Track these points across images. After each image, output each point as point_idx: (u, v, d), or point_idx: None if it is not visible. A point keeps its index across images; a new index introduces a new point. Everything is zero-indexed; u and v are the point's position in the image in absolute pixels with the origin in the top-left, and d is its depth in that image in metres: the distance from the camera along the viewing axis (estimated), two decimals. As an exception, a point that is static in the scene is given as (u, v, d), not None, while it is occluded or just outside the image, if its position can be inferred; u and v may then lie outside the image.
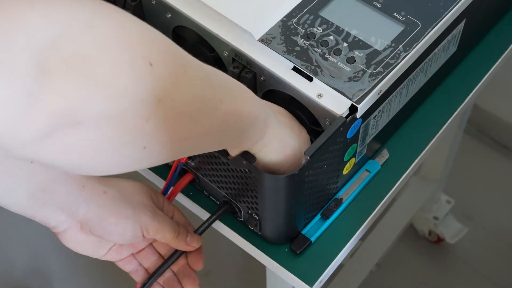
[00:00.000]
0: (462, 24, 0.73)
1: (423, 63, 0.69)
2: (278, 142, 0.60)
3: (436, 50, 0.70)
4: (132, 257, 0.68)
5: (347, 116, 0.61)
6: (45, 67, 0.36)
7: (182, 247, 0.66)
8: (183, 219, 0.69)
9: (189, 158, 0.67)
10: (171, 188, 0.70)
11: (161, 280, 0.68)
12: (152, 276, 0.67)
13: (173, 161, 0.71)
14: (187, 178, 0.70)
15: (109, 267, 1.51)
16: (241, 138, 0.56)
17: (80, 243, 0.63)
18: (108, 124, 0.40)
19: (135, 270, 0.68)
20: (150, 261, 0.68)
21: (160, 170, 0.73)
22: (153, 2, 0.71)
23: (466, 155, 1.66)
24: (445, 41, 0.71)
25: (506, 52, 0.83)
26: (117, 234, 0.63)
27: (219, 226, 0.71)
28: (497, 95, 1.62)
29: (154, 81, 0.41)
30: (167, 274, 0.68)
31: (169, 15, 0.70)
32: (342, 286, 1.32)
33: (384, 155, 0.74)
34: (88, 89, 0.38)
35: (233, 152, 0.59)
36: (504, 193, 1.62)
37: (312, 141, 0.64)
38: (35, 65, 0.36)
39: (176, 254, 0.67)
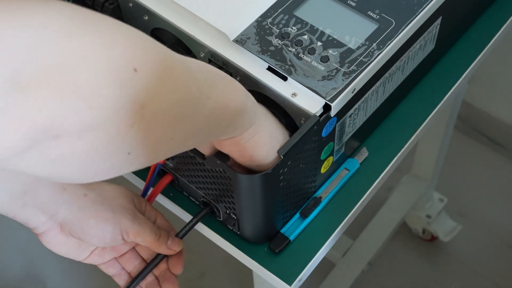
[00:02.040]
0: (438, 21, 0.73)
1: (399, 61, 0.70)
2: (265, 131, 0.59)
3: (412, 47, 0.71)
4: (115, 260, 0.68)
5: (321, 115, 0.62)
6: (20, 81, 0.35)
7: (163, 250, 0.66)
8: (166, 224, 0.69)
9: (167, 159, 0.68)
10: (151, 189, 0.70)
11: (143, 283, 0.68)
12: (135, 280, 0.67)
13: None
14: (166, 179, 0.70)
15: (104, 273, 1.51)
16: (229, 129, 0.55)
17: (61, 245, 0.64)
18: (90, 135, 0.39)
19: (118, 273, 0.69)
20: (133, 265, 0.68)
21: (140, 171, 0.74)
22: (130, 4, 0.71)
23: (459, 153, 1.66)
24: (421, 38, 0.71)
25: (486, 48, 0.83)
26: (96, 237, 0.63)
27: (199, 227, 0.71)
28: (490, 93, 1.63)
29: (138, 87, 0.40)
30: (149, 278, 0.68)
31: (146, 17, 0.71)
32: (334, 285, 1.32)
33: (363, 153, 0.74)
34: (67, 102, 0.37)
35: (223, 143, 0.58)
36: (497, 190, 1.62)
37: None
38: (8, 79, 0.34)
39: (158, 258, 0.67)
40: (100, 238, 0.63)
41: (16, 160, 0.38)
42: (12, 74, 0.35)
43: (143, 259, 0.69)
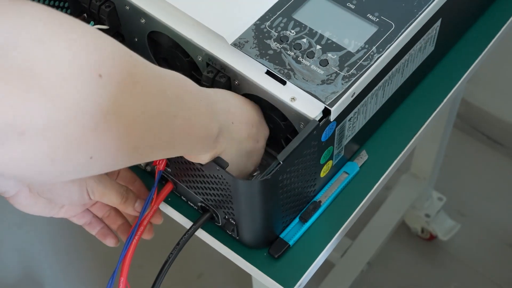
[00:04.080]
0: (438, 24, 0.72)
1: (398, 63, 0.69)
2: (229, 154, 0.61)
3: (412, 50, 0.70)
4: (86, 211, 0.70)
5: (320, 119, 0.61)
6: None
7: (130, 211, 0.68)
8: (141, 188, 0.71)
9: (166, 165, 0.67)
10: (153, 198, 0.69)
11: (115, 226, 0.70)
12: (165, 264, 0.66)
13: (153, 167, 0.71)
14: (167, 188, 0.70)
15: (102, 273, 1.50)
16: (191, 148, 0.56)
17: (31, 205, 0.65)
18: (54, 134, 0.40)
19: (88, 222, 0.70)
20: (103, 211, 0.70)
21: (139, 176, 0.73)
22: (127, 7, 0.70)
23: (458, 151, 1.66)
24: (421, 41, 0.71)
25: (486, 49, 0.82)
26: (64, 197, 0.64)
27: (198, 232, 0.70)
28: (489, 91, 1.62)
29: (102, 93, 0.42)
30: (120, 221, 0.70)
31: (143, 21, 0.70)
32: (333, 285, 1.32)
33: (363, 156, 0.74)
34: (32, 100, 0.38)
35: (189, 156, 0.59)
36: (496, 188, 1.62)
37: (283, 147, 0.64)
38: None
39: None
40: (67, 198, 0.65)
41: None
42: None
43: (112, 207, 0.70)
